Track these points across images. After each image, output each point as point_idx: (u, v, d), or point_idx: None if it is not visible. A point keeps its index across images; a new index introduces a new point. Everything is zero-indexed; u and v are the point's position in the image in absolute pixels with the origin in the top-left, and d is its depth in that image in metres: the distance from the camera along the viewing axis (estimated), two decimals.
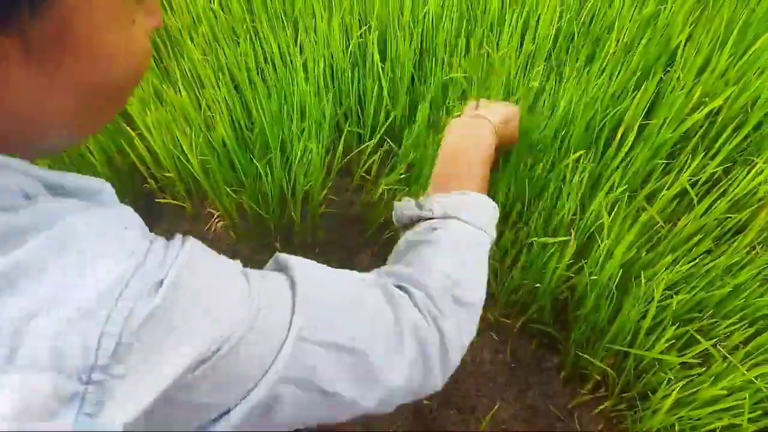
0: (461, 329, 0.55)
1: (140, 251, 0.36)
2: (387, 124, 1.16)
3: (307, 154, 1.06)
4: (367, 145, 1.15)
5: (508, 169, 1.04)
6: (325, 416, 0.48)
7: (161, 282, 0.35)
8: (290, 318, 0.44)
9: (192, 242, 0.40)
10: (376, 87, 1.15)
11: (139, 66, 0.40)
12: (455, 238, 0.60)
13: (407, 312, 0.51)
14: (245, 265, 0.46)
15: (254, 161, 1.09)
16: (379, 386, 0.48)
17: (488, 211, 0.65)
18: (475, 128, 0.77)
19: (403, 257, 0.60)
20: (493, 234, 0.64)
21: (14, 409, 0.30)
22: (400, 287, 0.54)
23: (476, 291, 0.58)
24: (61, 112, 0.37)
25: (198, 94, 1.20)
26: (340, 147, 1.13)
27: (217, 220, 1.22)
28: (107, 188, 0.43)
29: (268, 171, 1.07)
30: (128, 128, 1.16)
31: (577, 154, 1.03)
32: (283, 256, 0.50)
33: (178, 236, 0.41)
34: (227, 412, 0.41)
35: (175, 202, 1.23)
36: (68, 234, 0.34)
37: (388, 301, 0.51)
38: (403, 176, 1.10)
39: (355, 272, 0.54)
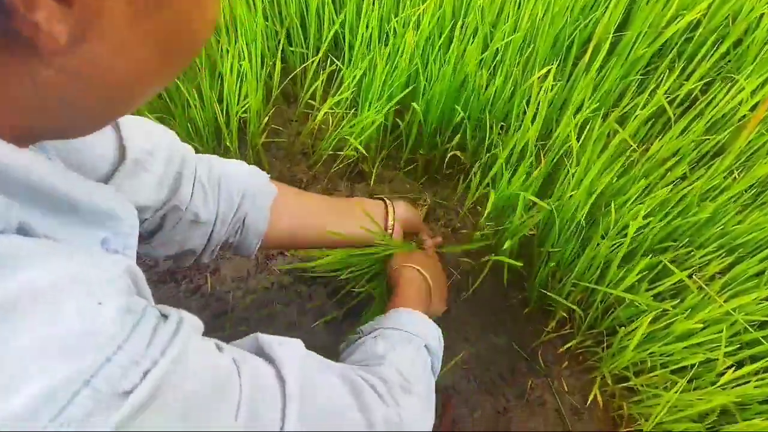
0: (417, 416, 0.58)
1: (109, 343, 0.28)
2: (331, 38, 1.03)
3: (240, 75, 0.93)
4: (312, 61, 1.02)
5: (468, 91, 0.93)
6: None
7: (127, 394, 0.28)
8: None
9: (188, 330, 0.33)
10: None
11: (215, 20, 0.33)
12: (405, 341, 0.65)
13: (376, 411, 0.52)
14: None
15: (180, 86, 0.95)
16: None
17: (433, 333, 0.70)
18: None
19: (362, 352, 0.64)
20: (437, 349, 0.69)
21: None
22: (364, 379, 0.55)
23: (423, 384, 0.62)
24: (132, 69, 0.30)
25: None
26: (278, 65, 1.00)
27: None
28: (131, 221, 0.38)
29: (196, 97, 0.94)
30: None
31: (543, 71, 0.92)
32: (267, 343, 0.46)
33: (173, 317, 0.33)
34: None
35: None
36: (23, 293, 0.26)
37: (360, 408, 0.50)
38: (349, 98, 0.98)
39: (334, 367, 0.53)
